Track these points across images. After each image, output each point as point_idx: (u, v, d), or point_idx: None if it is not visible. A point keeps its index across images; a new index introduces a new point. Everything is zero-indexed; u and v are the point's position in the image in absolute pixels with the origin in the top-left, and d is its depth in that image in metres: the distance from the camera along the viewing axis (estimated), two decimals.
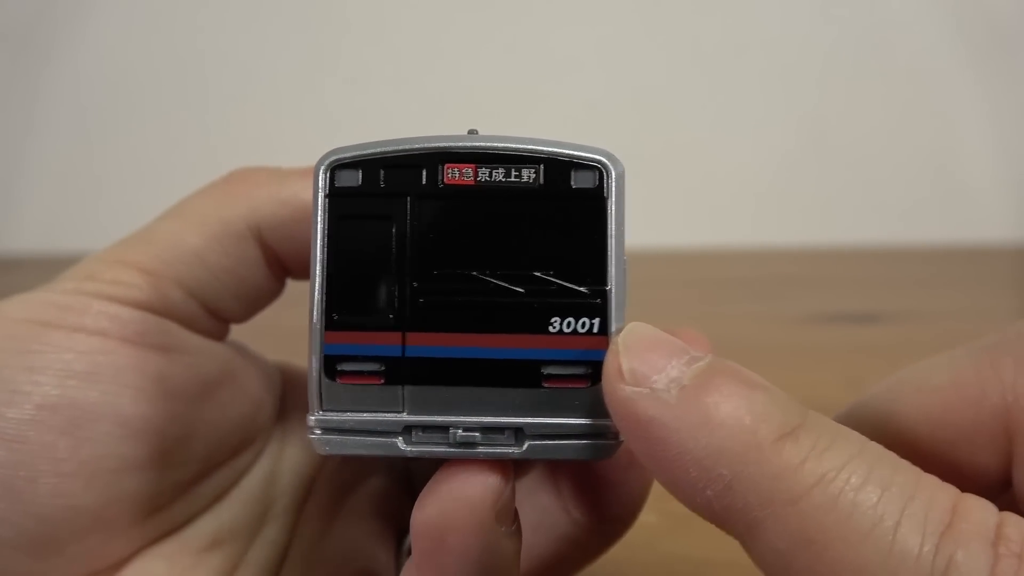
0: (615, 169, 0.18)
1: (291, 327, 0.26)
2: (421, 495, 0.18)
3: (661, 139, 0.88)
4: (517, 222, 0.18)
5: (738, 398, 0.14)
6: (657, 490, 0.37)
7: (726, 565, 0.32)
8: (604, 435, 0.18)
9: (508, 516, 0.18)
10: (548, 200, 0.18)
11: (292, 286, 0.25)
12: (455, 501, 0.17)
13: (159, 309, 0.22)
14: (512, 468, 0.18)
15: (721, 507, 0.14)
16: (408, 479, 0.28)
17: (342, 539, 0.25)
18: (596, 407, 0.17)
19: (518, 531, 0.19)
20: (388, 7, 0.86)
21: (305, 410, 0.26)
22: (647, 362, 0.15)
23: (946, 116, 0.88)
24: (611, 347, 0.16)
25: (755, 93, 0.88)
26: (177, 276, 0.22)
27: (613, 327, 0.18)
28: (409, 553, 0.24)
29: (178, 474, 0.22)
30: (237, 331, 0.26)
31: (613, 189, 0.18)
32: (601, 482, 0.23)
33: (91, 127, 0.88)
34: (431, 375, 0.18)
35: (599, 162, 0.18)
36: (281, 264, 0.24)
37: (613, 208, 0.18)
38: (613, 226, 0.18)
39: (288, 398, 0.27)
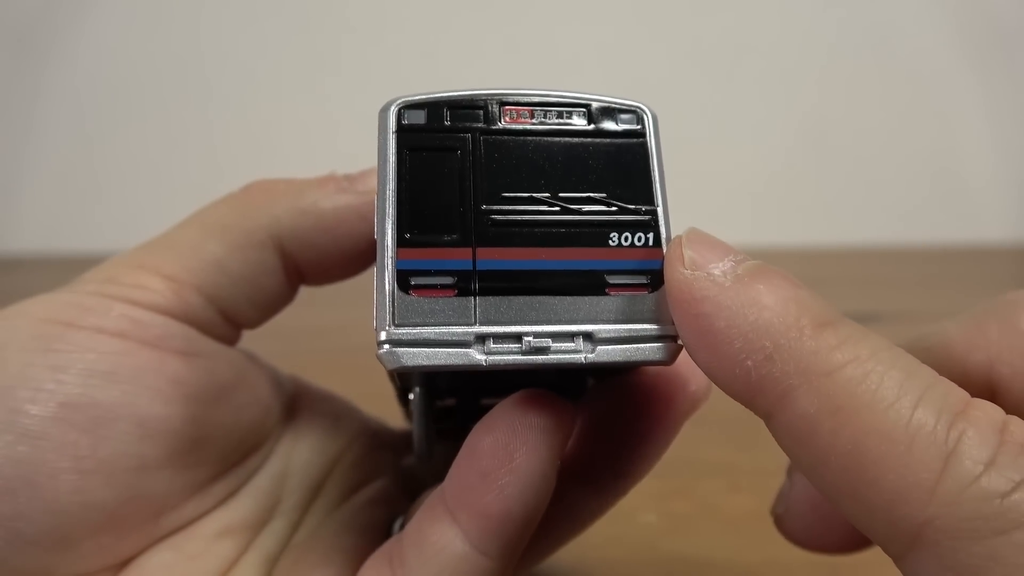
0: (651, 113, 0.21)
1: (297, 327, 0.26)
2: (485, 418, 0.19)
3: (660, 138, 0.88)
4: (573, 155, 0.20)
5: (785, 289, 0.16)
6: (658, 490, 0.37)
7: (726, 565, 0.32)
8: (665, 338, 0.19)
9: (558, 460, 0.19)
10: (599, 138, 0.20)
11: (299, 292, 0.26)
12: (530, 425, 0.18)
13: (179, 314, 0.23)
14: (571, 406, 0.19)
15: (758, 376, 0.16)
16: (409, 481, 0.28)
17: (341, 533, 0.25)
18: (657, 312, 0.19)
19: (556, 472, 0.20)
20: (388, 7, 0.86)
21: (316, 415, 0.27)
22: (705, 254, 0.17)
23: (946, 116, 0.88)
24: (674, 240, 0.18)
25: (755, 93, 0.88)
26: (198, 283, 0.23)
27: (663, 238, 0.20)
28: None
29: (192, 475, 0.23)
30: (248, 334, 0.26)
31: (651, 129, 0.21)
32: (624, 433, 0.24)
33: (91, 127, 0.88)
34: (501, 286, 0.19)
35: (638, 107, 0.21)
36: (299, 272, 0.25)
37: (653, 144, 0.21)
38: (655, 158, 0.21)
39: (297, 404, 0.27)
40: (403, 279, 0.19)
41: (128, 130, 0.87)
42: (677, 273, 0.17)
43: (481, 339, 0.19)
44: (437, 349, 0.19)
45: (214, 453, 0.23)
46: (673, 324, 0.18)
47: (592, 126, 0.20)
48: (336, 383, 0.31)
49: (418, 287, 0.19)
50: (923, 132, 0.88)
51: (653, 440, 0.23)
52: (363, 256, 0.25)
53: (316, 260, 0.24)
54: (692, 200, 0.96)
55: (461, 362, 0.19)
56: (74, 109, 0.88)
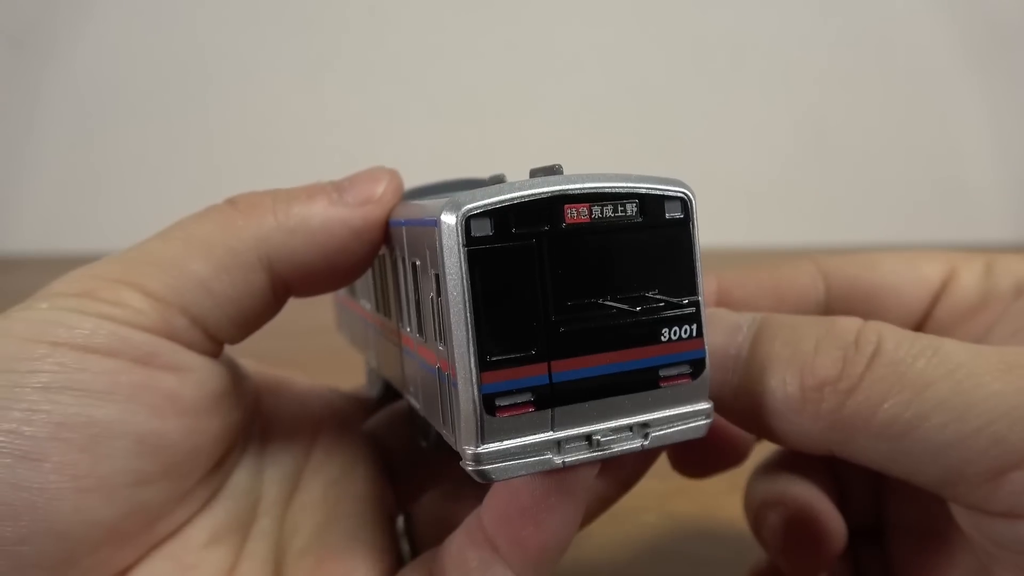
0: (694, 199, 0.21)
1: (302, 327, 0.26)
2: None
3: (661, 139, 0.88)
4: (626, 251, 0.21)
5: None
6: (658, 490, 0.37)
7: (726, 565, 0.32)
8: (703, 416, 0.21)
9: (590, 492, 0.21)
10: (649, 230, 0.21)
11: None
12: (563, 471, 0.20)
13: (162, 333, 0.22)
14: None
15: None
16: (389, 467, 0.29)
17: (341, 527, 0.25)
18: (698, 394, 0.21)
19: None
20: (388, 7, 0.86)
21: (281, 404, 0.27)
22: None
23: (946, 117, 0.88)
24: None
25: (755, 94, 0.88)
26: (182, 304, 0.23)
27: (704, 328, 0.21)
28: (406, 531, 0.26)
29: (185, 483, 0.23)
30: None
31: (694, 215, 0.21)
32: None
33: (91, 127, 0.88)
34: (574, 395, 0.21)
35: (684, 194, 0.21)
36: (286, 287, 0.24)
37: (695, 231, 0.21)
38: (696, 246, 0.21)
39: (261, 395, 0.27)
40: (489, 402, 0.20)
41: (128, 130, 0.87)
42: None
43: (557, 443, 0.20)
44: (520, 460, 0.20)
45: (206, 461, 0.23)
46: (709, 402, 0.21)
47: (644, 216, 0.21)
48: (341, 381, 0.31)
49: (502, 407, 0.20)
50: (923, 132, 0.88)
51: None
52: (354, 269, 0.25)
53: (305, 276, 0.24)
54: None
55: (542, 468, 0.20)
56: (74, 109, 0.88)
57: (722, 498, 0.40)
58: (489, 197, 0.20)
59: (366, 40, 0.86)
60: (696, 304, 0.21)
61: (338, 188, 0.24)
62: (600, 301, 0.20)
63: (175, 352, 0.22)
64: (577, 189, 0.21)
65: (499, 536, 0.20)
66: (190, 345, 0.23)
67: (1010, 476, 0.19)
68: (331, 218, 0.24)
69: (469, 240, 0.20)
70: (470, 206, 0.20)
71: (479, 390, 0.20)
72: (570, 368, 0.20)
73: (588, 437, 0.20)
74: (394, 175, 0.25)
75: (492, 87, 0.85)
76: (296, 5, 0.86)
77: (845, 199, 0.90)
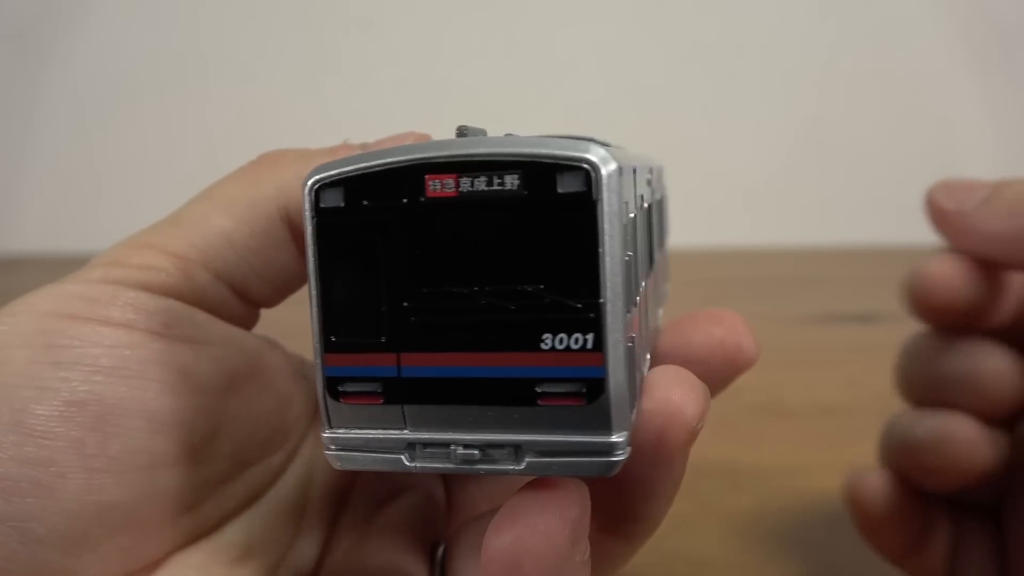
0: (605, 168, 0.16)
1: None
2: (495, 520, 0.18)
3: (660, 139, 0.88)
4: (503, 233, 0.17)
5: None
6: None
7: (726, 565, 0.32)
8: (604, 452, 0.17)
9: (582, 544, 0.18)
10: (534, 208, 0.17)
11: None
12: (532, 529, 0.17)
13: (187, 294, 0.22)
14: (588, 493, 0.18)
15: None
16: (446, 489, 0.27)
17: (376, 554, 0.24)
18: (594, 424, 0.17)
19: (588, 559, 0.18)
20: (388, 7, 0.86)
21: None
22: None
23: (946, 116, 0.88)
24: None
25: (754, 94, 0.88)
26: (205, 258, 0.22)
27: (609, 341, 0.16)
28: (443, 567, 0.24)
29: (208, 470, 0.22)
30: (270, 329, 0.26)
31: (604, 191, 0.16)
32: (623, 490, 0.23)
33: (91, 128, 0.88)
34: (428, 394, 0.18)
35: (586, 162, 0.16)
36: None
37: (605, 212, 0.16)
38: (607, 232, 0.16)
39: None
40: (332, 386, 0.19)
41: (128, 130, 0.87)
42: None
43: (411, 446, 0.18)
44: (369, 454, 0.18)
45: (228, 446, 0.22)
46: (616, 433, 0.16)
47: (527, 190, 0.17)
48: None
49: (346, 394, 0.18)
50: (922, 132, 0.89)
51: (656, 478, 0.20)
52: None
53: None
54: (692, 200, 0.96)
55: (392, 468, 0.18)
56: (74, 109, 0.88)
57: (722, 498, 0.40)
58: (346, 165, 0.18)
59: (367, 40, 0.86)
60: (597, 308, 0.16)
61: (364, 147, 0.24)
62: (463, 291, 0.17)
63: (196, 322, 0.22)
64: (441, 157, 0.17)
65: None
66: (218, 306, 0.22)
67: None
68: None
69: (317, 211, 0.18)
70: (321, 175, 0.18)
71: (323, 372, 0.19)
72: (423, 364, 0.18)
73: (447, 445, 0.18)
74: (422, 138, 0.24)
75: (493, 87, 0.85)
76: (297, 5, 0.86)
77: (844, 199, 0.90)
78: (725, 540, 0.36)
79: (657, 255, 0.26)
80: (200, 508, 0.22)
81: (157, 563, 0.21)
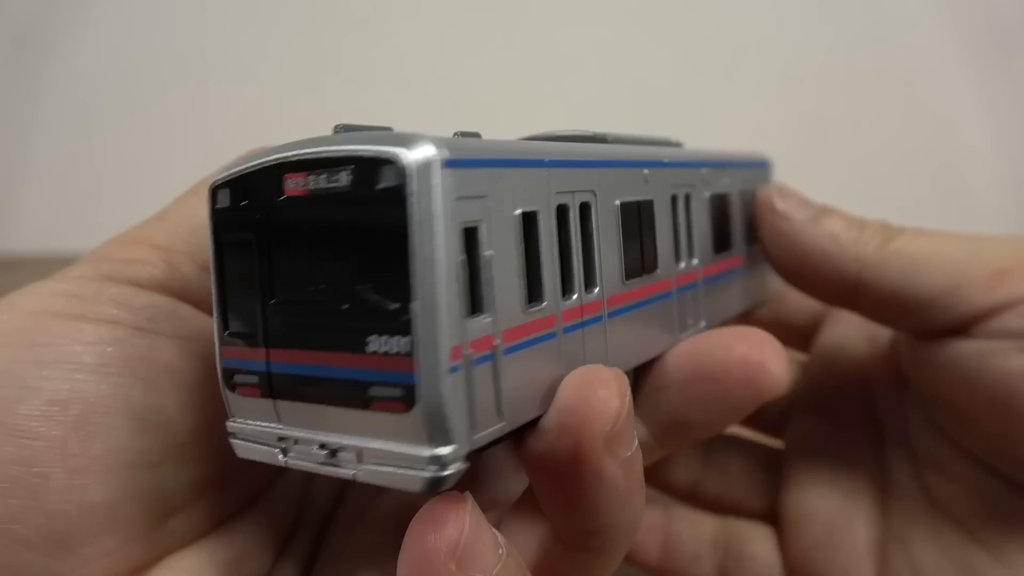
0: (418, 163, 0.15)
1: None
2: (400, 551, 0.17)
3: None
4: (339, 231, 0.17)
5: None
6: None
7: None
8: (420, 466, 0.16)
9: (470, 561, 0.17)
10: (359, 204, 0.16)
11: None
12: (418, 560, 0.17)
13: (173, 287, 0.21)
14: (467, 512, 0.17)
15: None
16: None
17: (373, 555, 0.23)
18: (414, 434, 0.16)
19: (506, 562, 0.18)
20: (389, 7, 0.86)
21: None
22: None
23: (945, 115, 0.88)
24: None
25: (754, 92, 0.88)
26: (189, 249, 0.22)
27: (422, 347, 0.15)
28: None
29: (197, 471, 0.21)
30: None
31: (415, 186, 0.15)
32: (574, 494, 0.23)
33: (91, 128, 0.88)
34: (289, 390, 0.18)
35: (399, 156, 0.15)
36: None
37: (416, 209, 0.15)
38: (419, 231, 0.15)
39: None
40: (227, 377, 0.19)
41: (128, 130, 0.87)
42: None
43: (283, 440, 0.18)
44: (256, 445, 0.19)
45: (217, 446, 0.22)
46: (429, 450, 0.15)
47: (353, 186, 0.16)
48: None
49: (237, 385, 0.19)
50: (922, 131, 0.88)
51: (590, 488, 0.19)
52: None
53: None
54: None
55: (268, 461, 0.18)
56: (74, 109, 0.88)
57: None
58: (238, 165, 0.18)
59: (367, 40, 0.86)
60: (406, 312, 0.15)
61: None
62: (312, 288, 0.17)
63: (180, 317, 0.21)
64: (295, 155, 0.17)
65: None
66: (206, 299, 0.22)
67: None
68: None
69: (213, 211, 0.19)
70: (220, 176, 0.18)
71: (220, 363, 0.19)
72: (284, 360, 0.18)
73: (310, 444, 0.18)
74: None
75: (493, 87, 0.85)
76: (297, 5, 0.86)
77: (844, 197, 0.90)
78: None
79: (705, 251, 0.28)
80: (191, 510, 0.21)
81: (147, 566, 0.20)
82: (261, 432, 0.19)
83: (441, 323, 0.15)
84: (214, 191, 0.19)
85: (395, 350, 0.16)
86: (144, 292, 0.21)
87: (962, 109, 0.88)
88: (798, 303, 0.31)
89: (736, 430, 0.36)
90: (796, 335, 0.35)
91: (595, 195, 0.21)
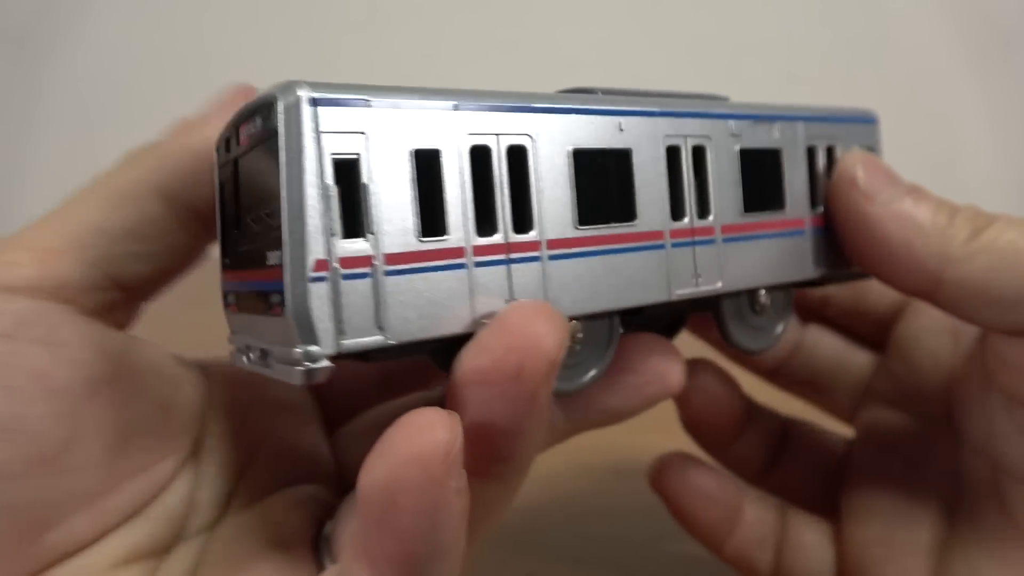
0: (285, 103, 0.18)
1: None
2: (368, 457, 0.18)
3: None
4: (259, 169, 0.20)
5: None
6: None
7: (724, 565, 0.32)
8: (294, 361, 0.18)
9: (457, 472, 0.18)
10: (262, 144, 0.19)
11: None
12: (405, 460, 0.17)
13: (50, 289, 0.21)
14: (457, 420, 0.18)
15: None
16: (340, 473, 0.27)
17: (264, 563, 0.22)
18: (289, 335, 0.18)
19: (466, 488, 0.18)
20: (389, 7, 0.86)
21: (231, 407, 0.26)
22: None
23: (945, 115, 0.88)
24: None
25: (753, 92, 0.88)
26: (72, 248, 0.21)
27: (289, 258, 0.18)
28: (327, 543, 0.23)
29: (72, 482, 0.20)
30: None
31: (283, 122, 0.18)
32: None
33: (91, 127, 0.88)
34: (242, 305, 0.21)
35: (273, 99, 0.19)
36: (199, 217, 0.23)
37: (284, 141, 0.18)
38: (285, 161, 0.18)
39: (212, 398, 0.25)
40: (224, 298, 0.22)
41: (129, 130, 0.87)
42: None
43: (248, 347, 0.21)
44: (237, 354, 0.22)
45: (96, 456, 0.21)
46: (300, 348, 0.18)
47: (262, 130, 0.20)
48: None
49: (227, 304, 0.22)
50: (921, 131, 0.89)
51: (519, 413, 0.20)
52: None
53: (207, 192, 0.23)
54: None
55: (241, 365, 0.21)
56: (74, 109, 0.88)
57: None
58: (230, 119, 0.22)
59: (367, 40, 0.86)
60: (278, 227, 0.19)
61: (200, 114, 0.23)
62: (251, 220, 0.21)
63: (51, 323, 0.20)
64: (243, 108, 0.21)
65: (369, 555, 0.18)
66: (92, 297, 0.21)
67: None
68: (197, 136, 0.22)
69: (217, 158, 0.22)
70: (220, 132, 0.22)
71: (221, 287, 0.22)
72: (238, 279, 0.21)
73: (252, 349, 0.21)
74: (242, 88, 0.26)
75: (493, 87, 0.85)
76: (298, 5, 0.86)
77: None
78: None
79: (730, 208, 0.27)
80: (68, 523, 0.20)
81: None
82: (238, 343, 0.22)
83: (302, 239, 0.18)
84: (217, 142, 0.22)
85: (276, 263, 0.19)
86: (12, 297, 0.20)
87: (961, 109, 0.88)
88: (881, 286, 0.29)
89: (807, 412, 0.35)
90: (875, 321, 0.33)
91: (533, 139, 0.22)
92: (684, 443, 0.34)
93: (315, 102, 0.19)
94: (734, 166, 0.27)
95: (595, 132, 0.24)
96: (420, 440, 0.17)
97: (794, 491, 0.33)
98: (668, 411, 0.33)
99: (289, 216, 0.18)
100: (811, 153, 0.30)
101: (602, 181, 0.24)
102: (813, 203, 0.30)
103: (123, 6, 0.86)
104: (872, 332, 0.34)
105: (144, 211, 0.22)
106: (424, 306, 0.20)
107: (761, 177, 0.28)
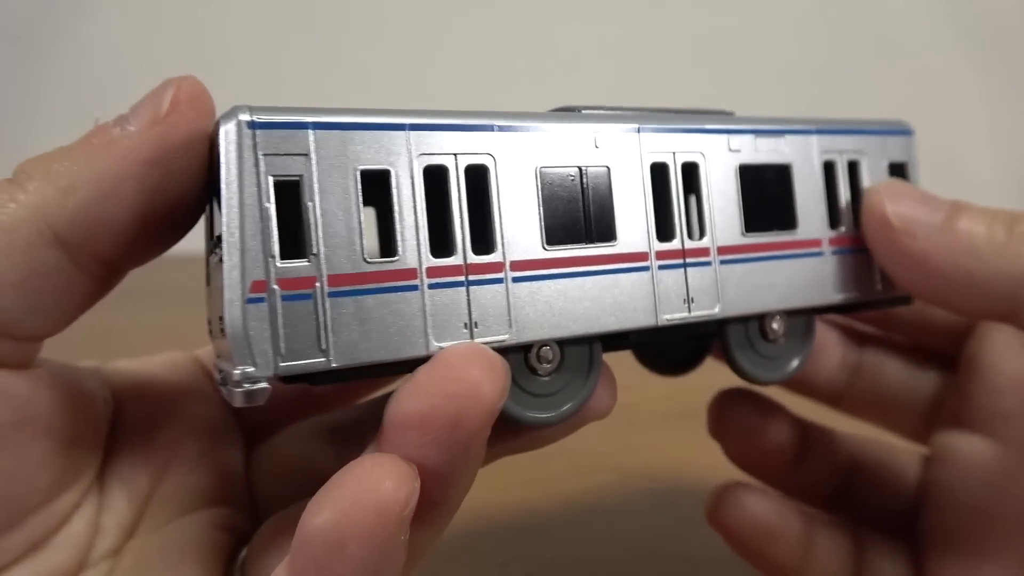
0: (225, 126, 0.19)
1: None
2: (316, 497, 0.17)
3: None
4: (214, 192, 0.20)
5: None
6: (655, 491, 0.37)
7: (726, 565, 0.32)
8: (233, 383, 0.18)
9: (408, 523, 0.17)
10: (214, 169, 0.20)
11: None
12: (360, 506, 0.16)
13: None
14: (417, 474, 0.18)
15: None
16: (254, 500, 0.26)
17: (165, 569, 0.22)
18: (231, 357, 0.18)
19: (407, 541, 0.18)
20: (389, 7, 0.86)
21: (138, 427, 0.24)
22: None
23: (945, 115, 0.88)
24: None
25: (753, 91, 0.88)
26: None
27: (225, 281, 0.18)
28: (243, 569, 0.22)
29: None
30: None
31: (223, 145, 0.19)
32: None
33: (92, 126, 0.88)
34: (212, 330, 0.22)
35: (219, 122, 0.19)
36: (98, 257, 0.20)
37: (224, 163, 0.19)
38: (224, 182, 0.19)
39: (118, 418, 0.23)
40: (208, 325, 0.23)
41: None
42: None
43: (220, 375, 0.21)
44: (219, 380, 0.21)
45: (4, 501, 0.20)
46: (239, 369, 0.18)
47: (212, 151, 0.20)
48: None
49: (210, 331, 0.23)
50: (922, 131, 0.88)
51: (455, 462, 0.19)
52: (175, 211, 0.21)
53: (114, 236, 0.20)
54: None
55: (222, 394, 0.21)
56: (75, 108, 0.88)
57: None
58: None
59: (367, 40, 0.86)
60: (219, 247, 0.19)
61: (120, 120, 0.21)
62: (215, 244, 0.21)
63: None
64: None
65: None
66: None
67: None
68: (109, 158, 0.20)
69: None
70: None
71: None
72: (209, 305, 0.22)
73: (220, 372, 0.21)
74: (184, 81, 0.22)
75: (493, 87, 0.85)
76: (298, 5, 0.86)
77: None
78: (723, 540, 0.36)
79: (728, 227, 0.26)
80: None
81: None
82: (217, 367, 0.22)
83: (239, 260, 0.18)
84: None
85: (220, 284, 0.19)
86: None
87: (961, 109, 0.88)
88: None
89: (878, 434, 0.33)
90: (943, 335, 0.31)
91: (495, 158, 0.22)
92: (685, 442, 0.34)
93: (253, 125, 0.19)
94: (733, 183, 0.26)
95: (567, 149, 0.23)
96: (379, 488, 0.17)
97: (869, 516, 0.31)
98: (669, 409, 0.33)
99: (227, 238, 0.18)
100: (828, 169, 0.29)
101: (574, 200, 0.23)
102: (833, 222, 0.28)
103: (123, 6, 0.86)
104: (941, 347, 0.31)
105: (32, 260, 0.19)
106: (372, 329, 0.19)
107: (766, 195, 0.27)
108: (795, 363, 0.28)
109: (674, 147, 0.25)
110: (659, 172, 0.25)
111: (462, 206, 0.21)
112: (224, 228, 0.18)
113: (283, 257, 0.19)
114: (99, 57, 0.86)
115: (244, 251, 0.18)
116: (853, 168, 0.29)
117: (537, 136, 0.23)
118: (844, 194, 0.29)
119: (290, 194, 0.19)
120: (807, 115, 0.29)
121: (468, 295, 0.21)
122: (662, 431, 0.35)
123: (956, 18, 0.85)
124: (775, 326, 0.27)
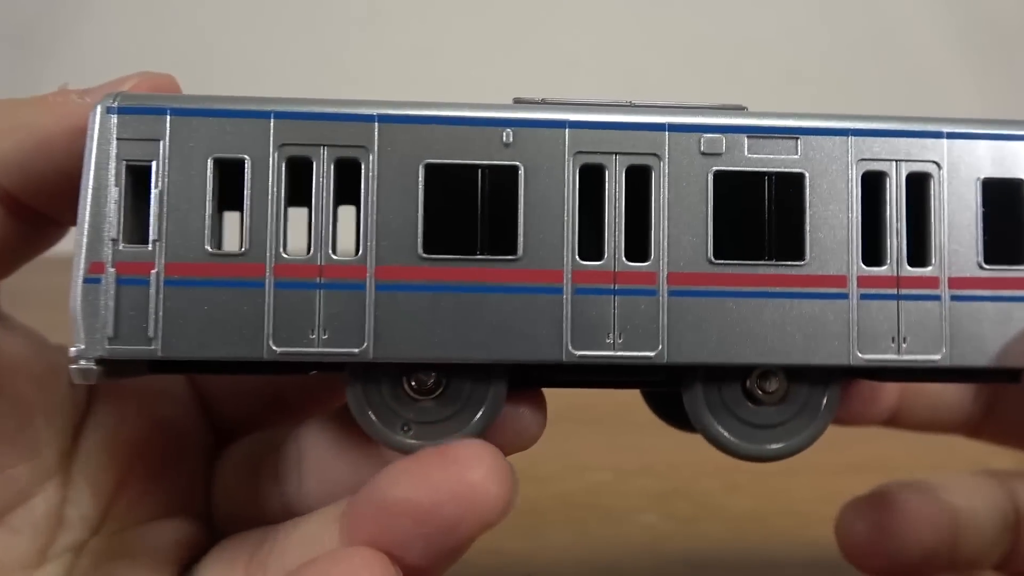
0: (96, 108, 0.20)
1: None
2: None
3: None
4: None
5: None
6: (658, 490, 0.37)
7: (726, 565, 0.32)
8: (71, 361, 0.19)
9: None
10: None
11: None
12: None
13: None
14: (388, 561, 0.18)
15: None
16: (214, 512, 0.25)
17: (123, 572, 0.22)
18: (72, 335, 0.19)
19: None
20: (390, 8, 0.86)
21: (112, 424, 0.24)
22: None
23: (945, 115, 0.88)
24: None
25: (752, 92, 0.88)
26: None
27: (73, 258, 0.19)
28: None
29: None
30: None
31: (89, 127, 0.19)
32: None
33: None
34: None
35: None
36: (26, 204, 0.21)
37: (86, 148, 0.19)
38: (84, 164, 0.19)
39: (93, 400, 0.24)
40: None
41: None
42: None
43: None
44: None
45: None
46: (74, 347, 0.18)
47: None
48: None
49: None
50: None
51: (441, 564, 0.19)
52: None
53: (42, 186, 0.20)
54: None
55: None
56: None
57: (722, 498, 0.40)
58: None
59: (367, 40, 0.86)
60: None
61: (83, 92, 0.22)
62: None
63: None
64: None
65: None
66: None
67: None
68: (52, 115, 0.20)
69: None
70: None
71: None
72: None
73: None
74: (157, 76, 0.23)
75: (493, 87, 0.85)
76: (298, 5, 0.86)
77: None
78: (725, 541, 0.36)
79: (692, 251, 0.21)
80: None
81: None
82: None
83: (83, 240, 0.19)
84: None
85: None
86: None
87: (961, 109, 0.87)
88: None
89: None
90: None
91: (369, 152, 0.20)
92: (685, 441, 0.34)
93: (111, 110, 0.19)
94: (702, 194, 0.21)
95: (465, 145, 0.20)
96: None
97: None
98: None
99: (78, 219, 0.19)
100: (873, 181, 0.22)
101: (470, 204, 0.20)
102: (875, 257, 0.21)
103: (123, 6, 0.85)
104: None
105: None
106: (208, 323, 0.18)
107: (759, 211, 0.21)
108: (798, 439, 0.23)
109: (619, 147, 0.21)
110: (591, 176, 0.21)
111: (326, 202, 0.19)
112: (79, 211, 0.18)
113: (128, 242, 0.19)
114: (99, 57, 0.86)
115: (88, 232, 0.18)
116: (919, 183, 0.23)
117: (427, 129, 0.20)
118: (899, 217, 0.22)
119: (142, 179, 0.19)
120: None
121: (319, 298, 0.19)
122: (661, 431, 0.35)
123: (956, 18, 0.85)
124: (768, 386, 0.23)
